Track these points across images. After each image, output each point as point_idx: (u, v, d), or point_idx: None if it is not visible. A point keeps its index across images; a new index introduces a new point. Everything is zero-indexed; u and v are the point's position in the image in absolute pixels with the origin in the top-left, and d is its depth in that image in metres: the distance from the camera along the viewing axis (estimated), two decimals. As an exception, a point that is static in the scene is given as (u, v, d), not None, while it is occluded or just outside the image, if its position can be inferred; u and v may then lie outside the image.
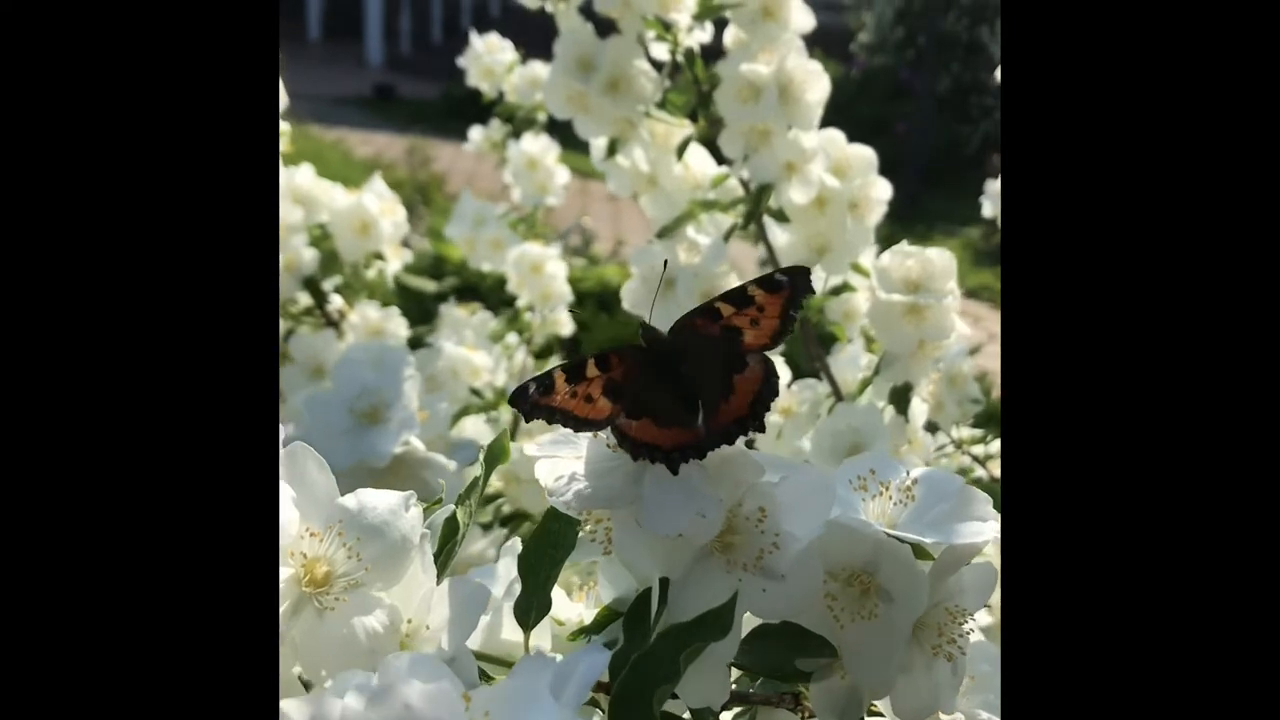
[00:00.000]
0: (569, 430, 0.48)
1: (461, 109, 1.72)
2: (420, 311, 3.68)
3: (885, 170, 1.22)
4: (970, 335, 1.13)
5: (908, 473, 0.54)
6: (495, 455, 0.53)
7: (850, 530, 0.50)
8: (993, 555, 0.54)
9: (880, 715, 0.54)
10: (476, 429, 1.22)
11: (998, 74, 1.90)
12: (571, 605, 0.56)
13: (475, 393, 1.30)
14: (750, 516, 0.47)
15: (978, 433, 1.63)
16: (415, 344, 1.40)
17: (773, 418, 1.25)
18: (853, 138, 1.20)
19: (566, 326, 1.75)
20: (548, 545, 0.49)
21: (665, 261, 1.12)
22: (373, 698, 0.34)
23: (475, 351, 1.34)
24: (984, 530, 0.52)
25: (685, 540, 0.45)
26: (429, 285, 3.55)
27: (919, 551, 0.52)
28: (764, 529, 0.47)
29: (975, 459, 1.63)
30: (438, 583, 0.47)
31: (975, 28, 8.10)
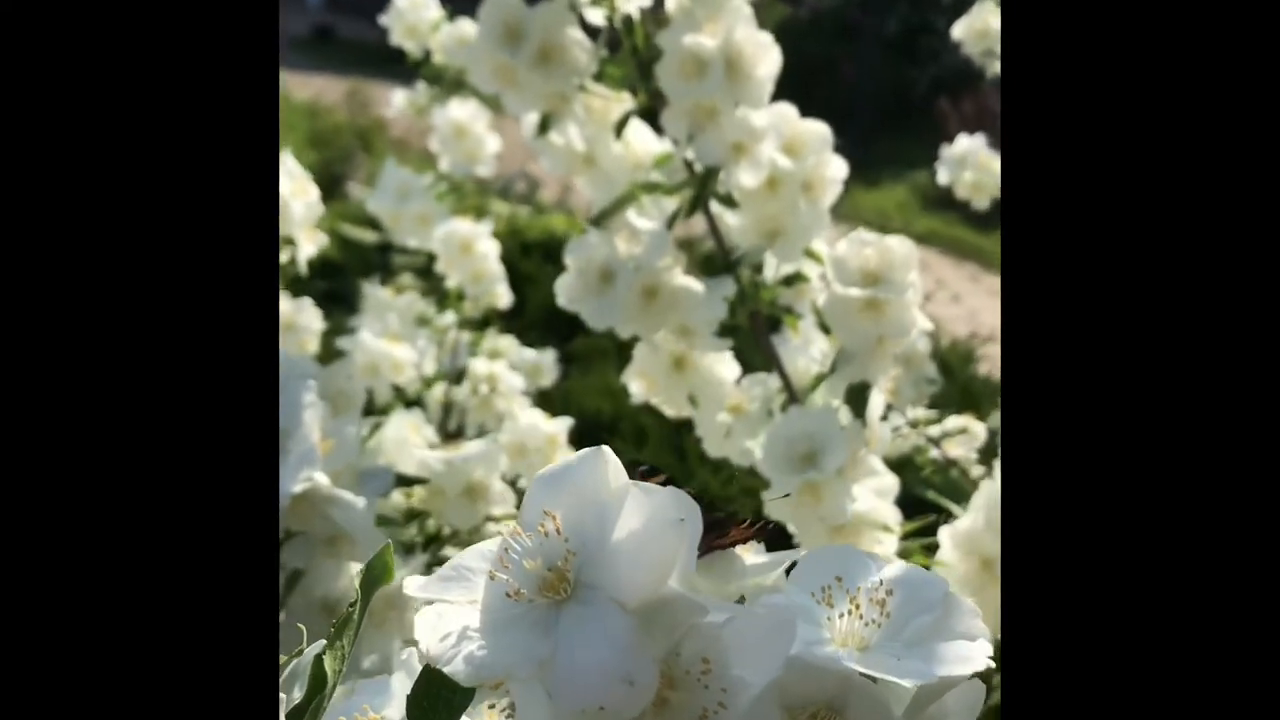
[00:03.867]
0: (465, 560, 0.38)
1: (404, 52, 1.59)
2: (361, 264, 3.55)
3: (832, 113, 1.13)
4: (920, 285, 1.04)
5: (880, 580, 0.45)
6: (374, 577, 0.43)
7: (814, 669, 0.41)
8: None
9: None
10: (400, 432, 1.11)
11: (956, 28, 1.79)
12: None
13: (398, 390, 1.19)
14: (691, 668, 0.38)
15: (932, 413, 1.56)
16: (336, 331, 1.30)
17: (721, 416, 1.16)
18: (800, 80, 1.10)
19: (504, 298, 1.65)
20: (439, 700, 0.39)
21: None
22: None
23: (398, 344, 1.23)
24: (971, 654, 0.43)
25: (609, 714, 0.36)
26: (369, 236, 3.41)
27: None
28: (708, 682, 0.38)
29: (931, 440, 1.56)
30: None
31: (924, -33, 7.96)
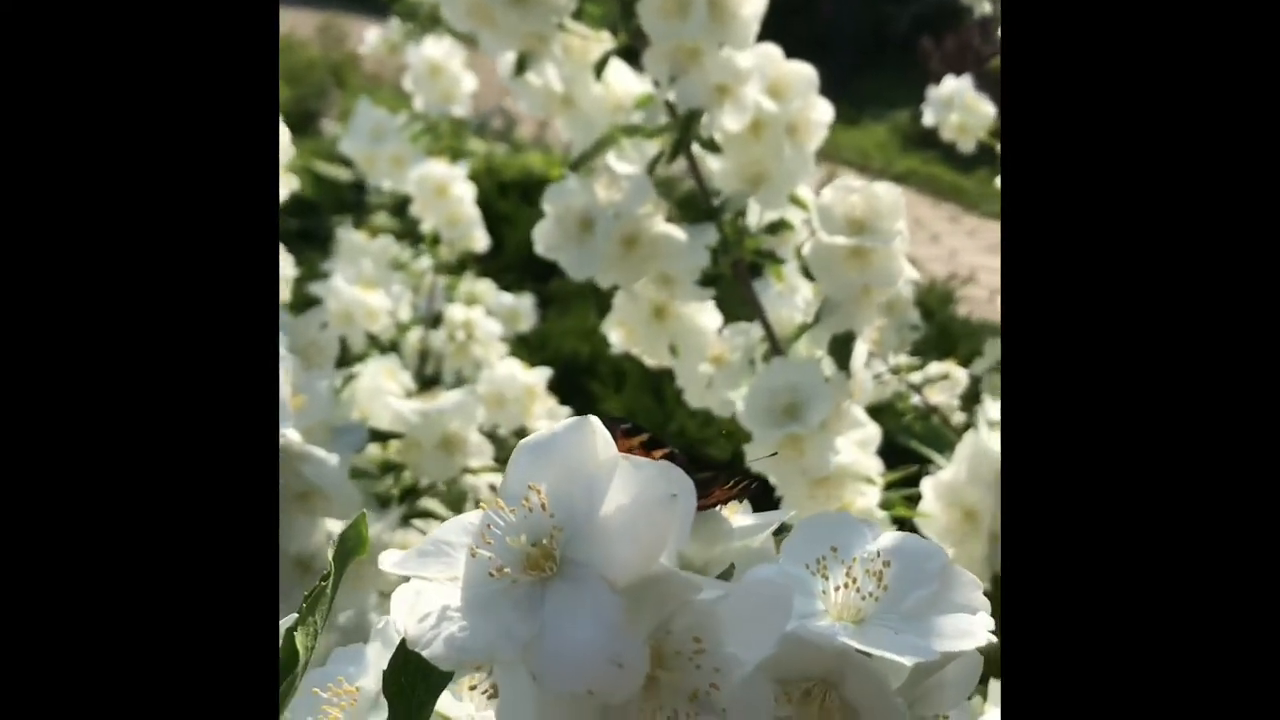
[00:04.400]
0: (444, 534, 0.36)
1: (378, -16, 1.54)
2: (335, 202, 3.49)
3: (812, 51, 1.10)
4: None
5: (877, 551, 0.43)
6: (348, 549, 0.41)
7: (810, 645, 0.39)
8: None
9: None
10: (375, 381, 1.09)
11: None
12: (460, 706, 0.45)
13: (373, 338, 1.16)
14: (683, 647, 0.36)
15: (914, 360, 1.55)
16: (309, 275, 1.27)
17: (702, 367, 1.14)
18: (778, 17, 1.06)
19: (480, 242, 1.61)
20: (417, 676, 0.37)
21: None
22: None
23: (372, 291, 1.20)
24: (972, 628, 0.41)
25: (597, 697, 0.34)
26: (343, 173, 3.36)
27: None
28: (700, 662, 0.36)
29: (912, 386, 1.55)
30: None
31: (906, -99, 7.83)
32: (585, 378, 2.61)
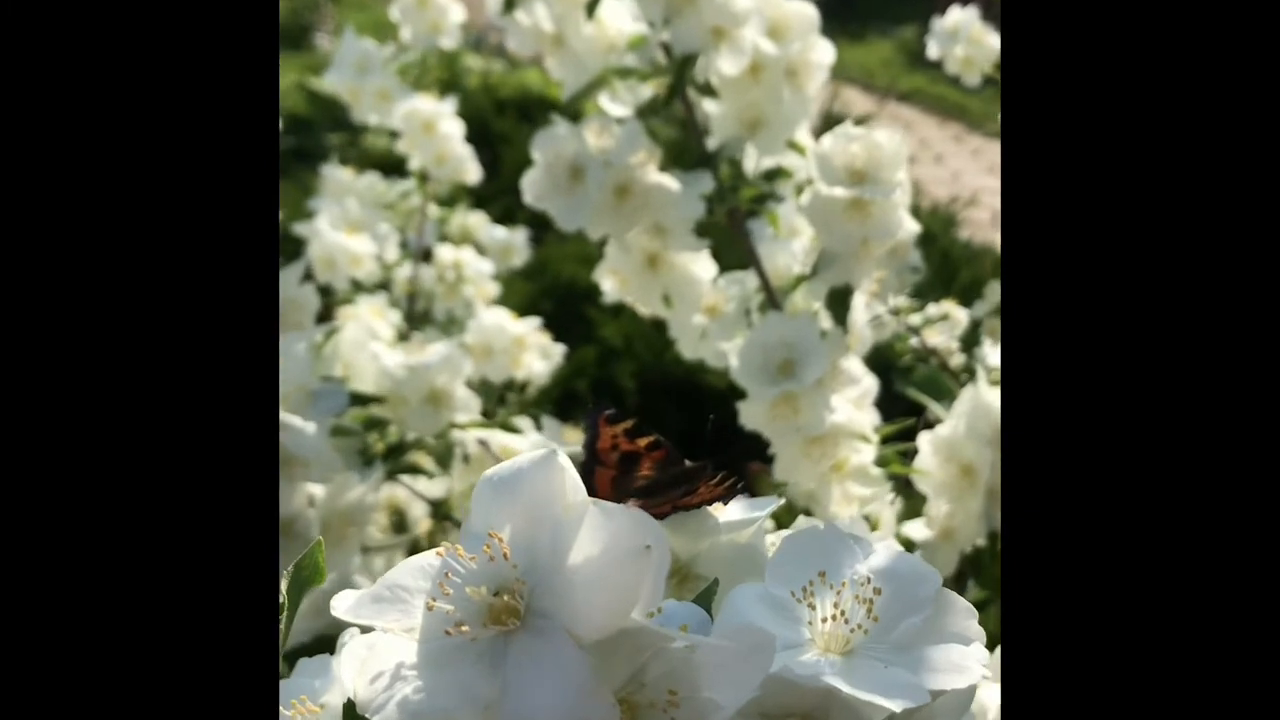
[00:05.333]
0: (400, 578, 0.34)
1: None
2: (330, 119, 3.42)
3: None
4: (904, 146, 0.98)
5: (867, 576, 0.41)
6: (303, 580, 0.38)
7: (794, 686, 0.37)
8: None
9: None
10: (359, 333, 1.06)
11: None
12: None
13: (356, 284, 1.13)
14: (657, 698, 0.34)
15: (914, 302, 1.52)
16: (294, 215, 1.23)
17: (696, 318, 1.11)
18: None
19: (472, 174, 1.57)
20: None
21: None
22: None
23: (356, 235, 1.17)
24: (965, 661, 0.39)
25: (562, 762, 0.32)
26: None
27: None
28: (675, 715, 0.34)
29: (911, 328, 1.52)
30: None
31: None
32: (584, 304, 2.58)
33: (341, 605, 0.34)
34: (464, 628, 0.32)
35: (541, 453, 0.34)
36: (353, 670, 0.32)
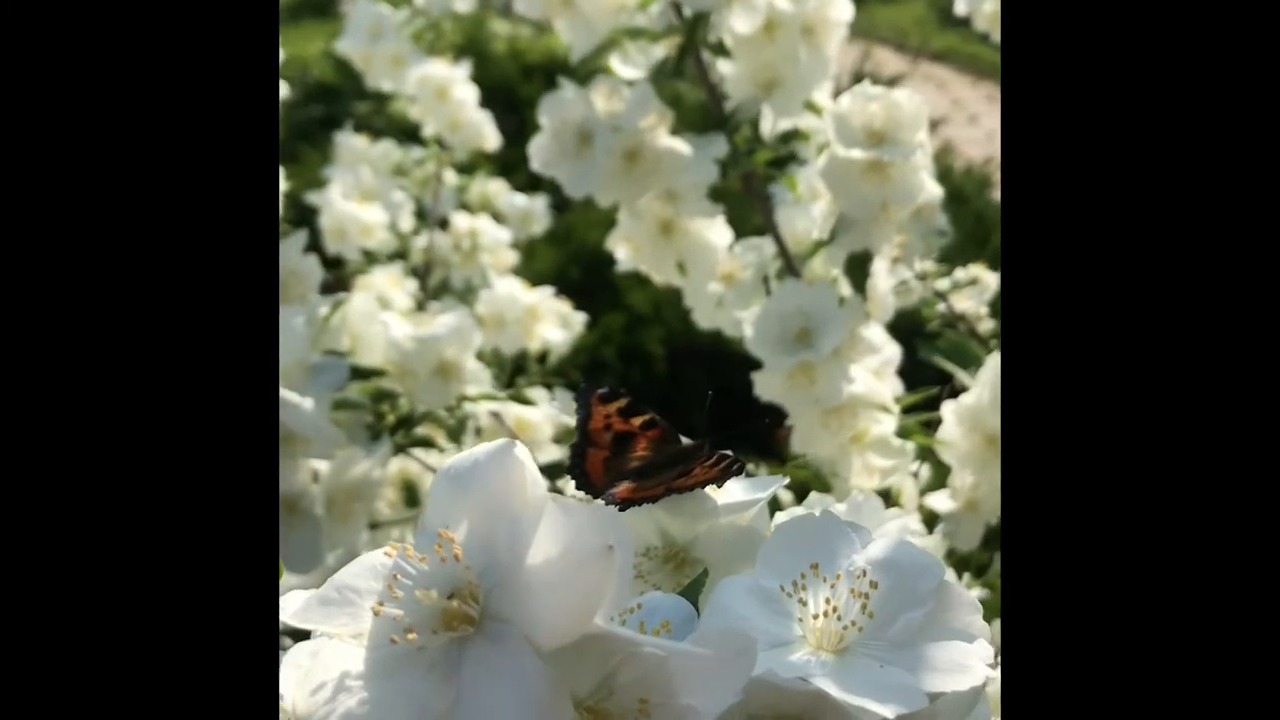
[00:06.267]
0: (350, 579, 0.31)
1: None
2: (359, 88, 3.40)
3: None
4: (934, 105, 0.95)
5: (864, 568, 0.38)
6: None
7: (781, 690, 0.34)
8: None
9: None
10: (369, 304, 1.03)
11: None
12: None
13: (370, 254, 1.11)
14: (629, 706, 0.31)
15: (941, 266, 1.48)
16: (306, 185, 1.21)
17: (712, 285, 1.08)
18: None
19: (491, 141, 1.54)
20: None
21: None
22: None
23: (368, 204, 1.14)
24: (967, 660, 0.36)
25: (519, 782, 0.29)
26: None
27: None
28: (648, 725, 0.31)
29: (938, 293, 1.48)
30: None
31: None
32: (609, 270, 2.56)
33: (289, 608, 0.32)
34: (412, 635, 0.29)
35: (498, 444, 0.31)
36: (294, 681, 0.29)
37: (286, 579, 0.81)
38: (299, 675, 0.29)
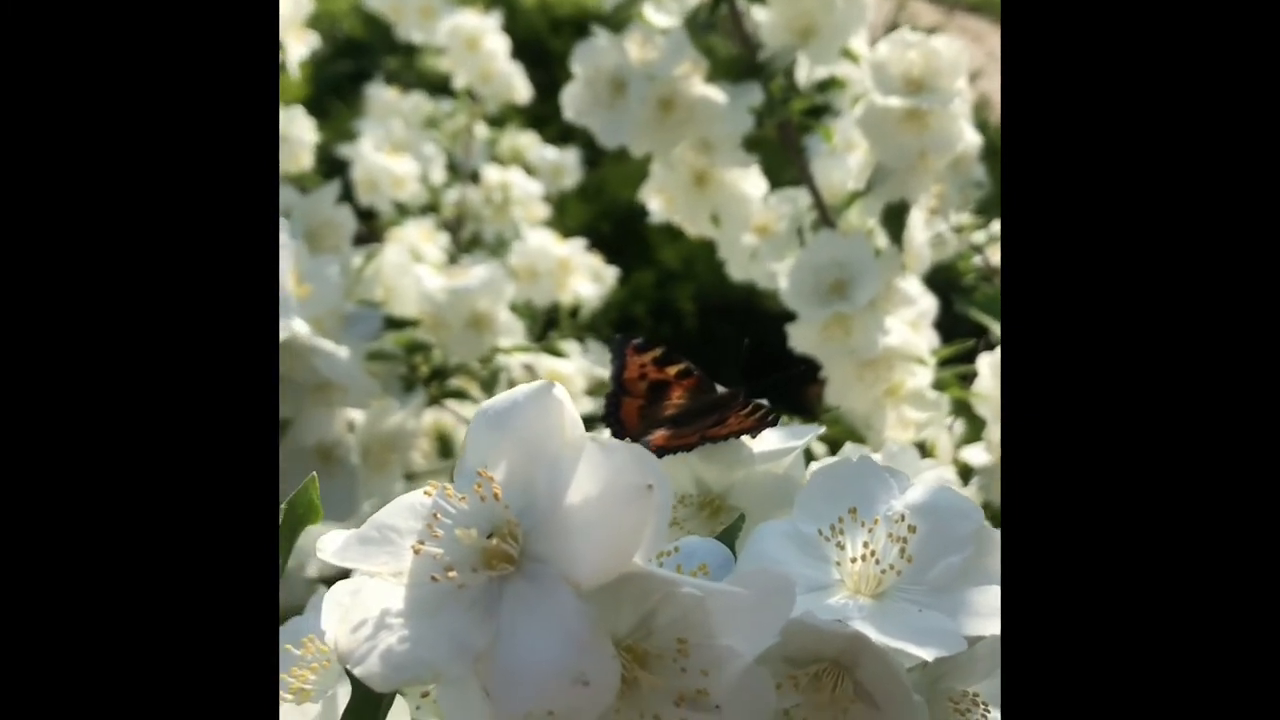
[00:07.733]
0: (390, 518, 0.31)
1: None
2: (389, 42, 3.38)
3: None
4: (970, 58, 0.93)
5: (902, 513, 0.38)
6: (297, 519, 0.36)
7: (818, 632, 0.34)
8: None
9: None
10: (401, 256, 1.03)
11: None
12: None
13: (400, 207, 1.11)
14: (667, 647, 0.31)
15: (978, 218, 1.46)
16: (338, 137, 1.20)
17: (747, 237, 1.07)
18: None
19: (522, 92, 1.53)
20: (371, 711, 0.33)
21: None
22: None
23: (399, 156, 1.14)
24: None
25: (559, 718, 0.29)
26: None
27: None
28: (686, 664, 0.31)
29: (975, 247, 1.47)
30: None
31: None
32: (640, 224, 2.55)
33: (329, 547, 0.32)
34: (452, 573, 0.29)
35: (537, 384, 0.31)
36: (334, 618, 0.30)
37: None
38: (340, 613, 0.29)
